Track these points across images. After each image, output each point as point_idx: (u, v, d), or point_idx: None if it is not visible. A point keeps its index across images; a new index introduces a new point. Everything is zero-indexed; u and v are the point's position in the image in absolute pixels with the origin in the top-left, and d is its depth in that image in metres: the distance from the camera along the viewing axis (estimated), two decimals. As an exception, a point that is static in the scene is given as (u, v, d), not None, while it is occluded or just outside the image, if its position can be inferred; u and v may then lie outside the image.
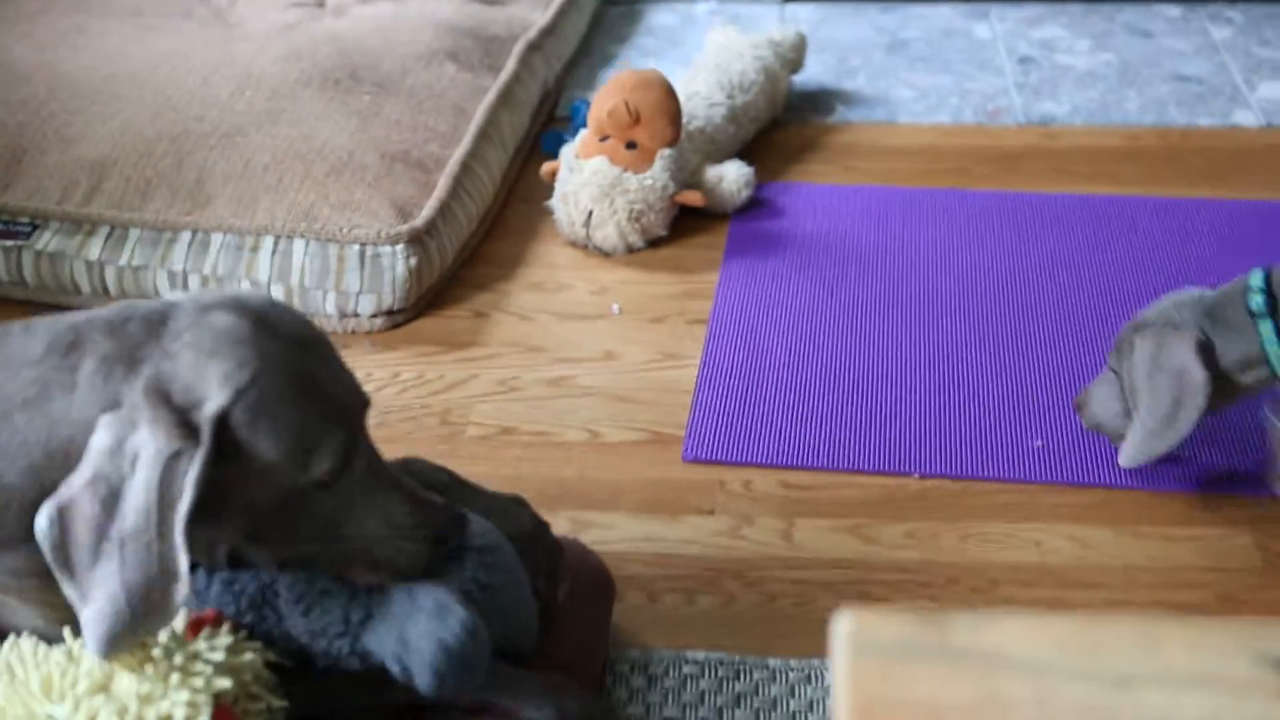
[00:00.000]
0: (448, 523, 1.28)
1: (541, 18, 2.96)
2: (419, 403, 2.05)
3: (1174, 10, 3.31)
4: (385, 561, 1.26)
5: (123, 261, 2.21)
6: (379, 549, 1.25)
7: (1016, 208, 2.50)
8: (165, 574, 1.13)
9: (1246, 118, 2.80)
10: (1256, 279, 1.70)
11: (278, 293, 2.19)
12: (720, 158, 2.57)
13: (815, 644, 1.62)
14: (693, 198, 2.41)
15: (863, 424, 1.98)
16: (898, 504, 1.84)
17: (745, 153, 2.64)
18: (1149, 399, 1.71)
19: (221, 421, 1.14)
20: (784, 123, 2.81)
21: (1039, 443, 1.93)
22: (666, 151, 2.38)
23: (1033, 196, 2.54)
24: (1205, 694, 0.79)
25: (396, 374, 2.11)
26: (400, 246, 2.18)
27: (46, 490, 1.16)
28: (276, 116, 2.42)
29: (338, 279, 2.17)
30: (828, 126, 2.81)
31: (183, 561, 1.13)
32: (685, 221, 2.45)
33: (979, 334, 2.15)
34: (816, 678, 1.58)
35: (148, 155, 2.31)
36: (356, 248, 2.18)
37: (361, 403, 1.26)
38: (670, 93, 2.41)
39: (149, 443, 1.12)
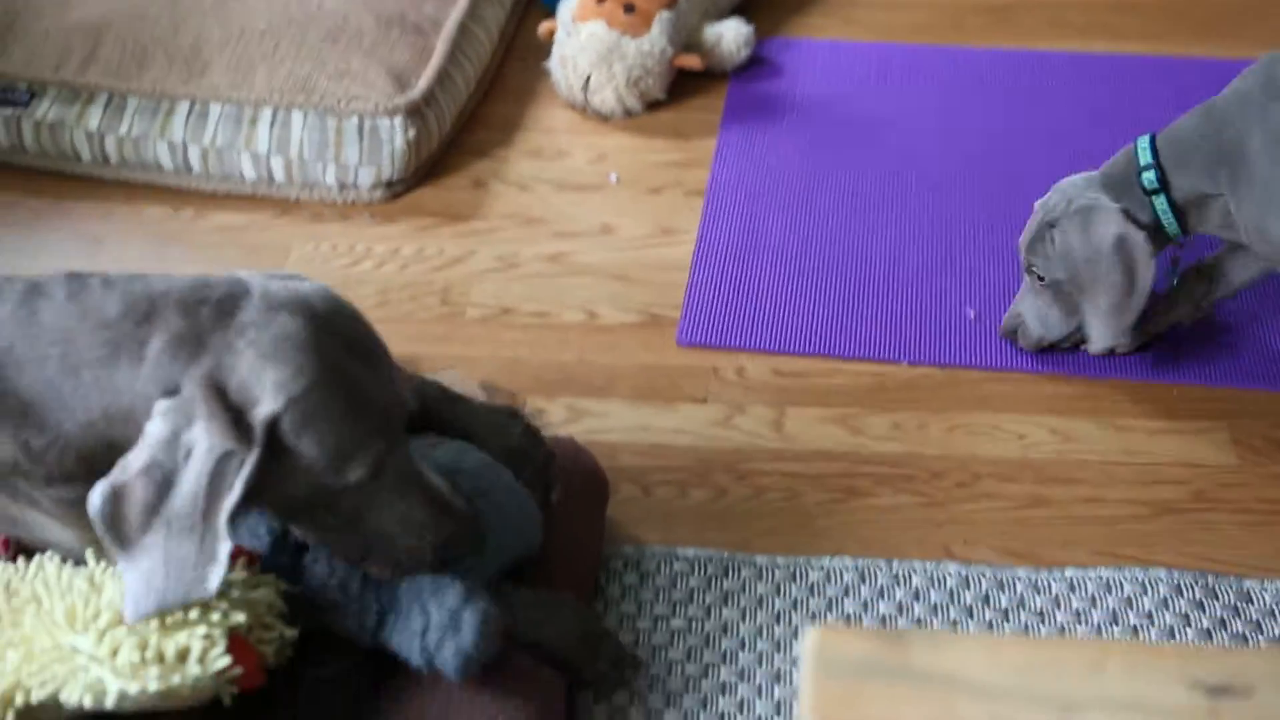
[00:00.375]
0: (463, 528, 1.32)
1: None
2: (420, 280, 2.08)
3: None
4: (401, 556, 1.31)
5: (122, 131, 2.23)
6: (396, 544, 1.30)
7: (1009, 67, 2.50)
8: (206, 556, 1.19)
9: (1254, -33, 2.75)
10: (1145, 155, 1.72)
11: (277, 164, 2.20)
12: (720, 14, 2.56)
13: (801, 540, 1.69)
14: (690, 61, 2.41)
15: (855, 308, 2.01)
16: (887, 393, 1.89)
17: (745, 5, 2.62)
18: (1097, 279, 1.75)
19: (272, 426, 1.18)
20: (785, -29, 2.77)
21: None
22: (665, 14, 2.37)
23: (1025, 55, 2.54)
24: (1141, 718, 0.85)
25: (396, 249, 2.14)
26: (399, 119, 2.19)
27: (99, 442, 1.21)
28: (271, -24, 2.39)
29: (337, 151, 2.19)
30: (830, -26, 2.78)
31: (223, 548, 1.18)
32: (684, 83, 2.45)
33: (973, 210, 2.18)
34: (801, 575, 1.65)
35: (142, 19, 2.31)
36: (355, 120, 2.19)
37: (402, 411, 1.29)
38: (669, -46, 2.39)
39: (203, 439, 1.16)
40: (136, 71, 2.25)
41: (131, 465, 1.18)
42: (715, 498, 1.76)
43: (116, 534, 1.18)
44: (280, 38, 2.29)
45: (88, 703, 1.22)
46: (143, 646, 1.24)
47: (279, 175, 2.22)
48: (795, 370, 1.93)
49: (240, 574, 1.33)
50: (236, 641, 1.29)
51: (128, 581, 1.20)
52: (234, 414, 1.17)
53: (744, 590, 1.64)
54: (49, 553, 1.35)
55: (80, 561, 1.33)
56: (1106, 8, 2.66)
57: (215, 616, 1.28)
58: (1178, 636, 1.58)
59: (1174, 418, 1.85)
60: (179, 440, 1.17)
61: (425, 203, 2.24)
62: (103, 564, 1.31)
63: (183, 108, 2.22)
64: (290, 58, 2.26)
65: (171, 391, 1.18)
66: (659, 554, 1.67)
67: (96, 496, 1.18)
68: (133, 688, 1.21)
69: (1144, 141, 1.74)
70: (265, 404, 1.18)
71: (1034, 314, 1.86)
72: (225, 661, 1.25)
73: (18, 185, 2.27)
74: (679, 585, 1.64)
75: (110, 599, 1.27)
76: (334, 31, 2.30)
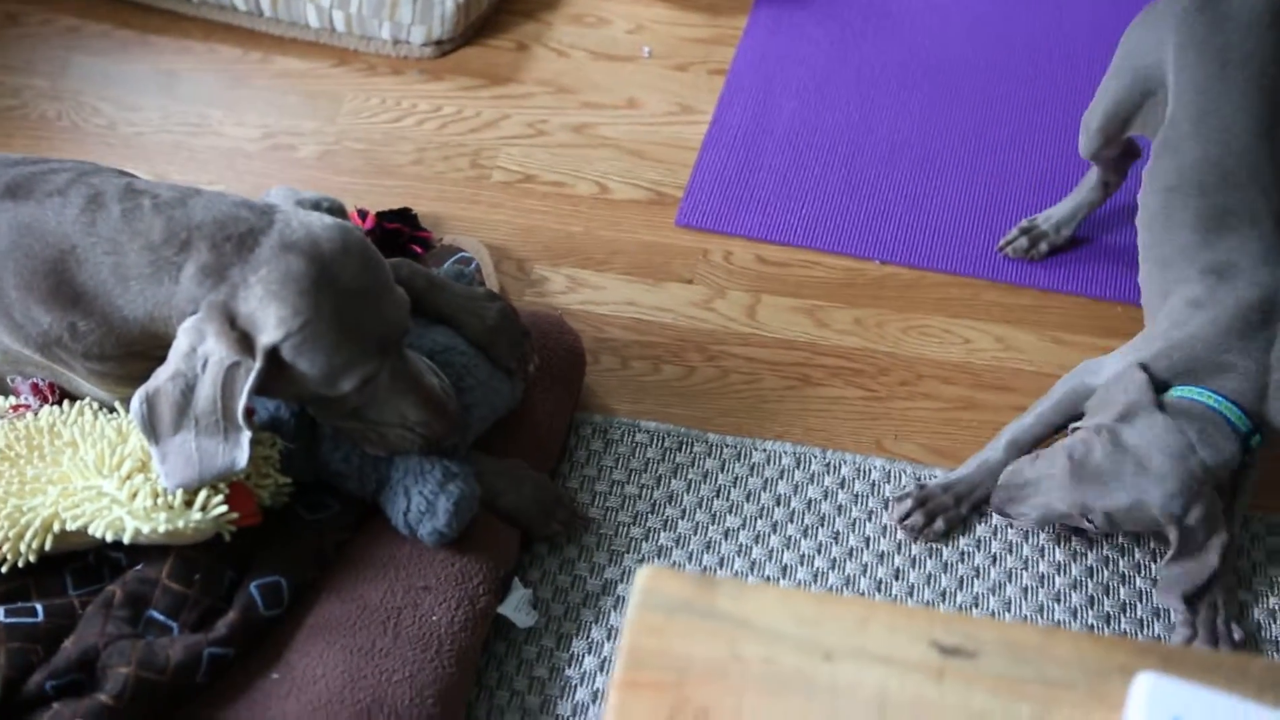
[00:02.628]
0: (451, 424, 1.57)
1: None
2: (455, 140, 2.29)
3: None
4: (394, 443, 1.57)
5: (202, -26, 2.42)
6: (390, 434, 1.55)
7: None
8: (230, 444, 1.45)
9: None
10: (1239, 419, 1.62)
11: (339, 19, 2.40)
12: (771, -114, 2.66)
13: (753, 422, 1.92)
14: (732, -60, 2.54)
15: (843, 203, 2.18)
16: (856, 289, 2.08)
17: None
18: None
19: (272, 351, 1.42)
20: None
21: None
22: (712, -108, 2.50)
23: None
24: (884, 670, 1.08)
25: (439, 107, 2.34)
26: (451, -18, 2.37)
27: (137, 334, 1.47)
28: None
29: (392, 10, 2.38)
30: None
31: (244, 435, 1.44)
32: (726, -44, 2.59)
33: (975, 117, 2.32)
34: (745, 455, 1.88)
35: None
36: (410, -19, 2.37)
37: (398, 333, 1.52)
38: None
39: (215, 351, 1.41)
40: (217, -84, 2.44)
41: (161, 374, 1.43)
42: (684, 375, 1.98)
43: (152, 431, 1.44)
44: (351, -108, 2.45)
45: (109, 537, 1.49)
46: (156, 493, 1.51)
47: (339, 26, 2.42)
48: (777, 259, 2.12)
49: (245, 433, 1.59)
50: (236, 488, 1.56)
51: (167, 463, 1.45)
52: (240, 335, 1.41)
53: (693, 465, 1.87)
54: (88, 399, 1.62)
55: (112, 409, 1.60)
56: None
57: None
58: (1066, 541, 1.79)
59: (1112, 336, 2.02)
60: (196, 352, 1.41)
61: (471, 62, 2.43)
62: (129, 416, 1.57)
63: (256, -43, 2.42)
64: (357, -87, 2.43)
65: (196, 311, 1.42)
66: (624, 425, 1.91)
67: (136, 401, 1.43)
68: (145, 527, 1.48)
69: (1217, 397, 1.62)
70: (267, 333, 1.42)
71: (1049, 499, 1.67)
72: (223, 509, 1.51)
73: (110, 15, 2.49)
74: (637, 455, 1.88)
75: (133, 448, 1.53)
76: (400, -111, 2.46)
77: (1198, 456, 1.57)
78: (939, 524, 1.77)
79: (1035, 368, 1.99)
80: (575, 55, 2.43)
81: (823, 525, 1.82)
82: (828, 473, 1.86)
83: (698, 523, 1.81)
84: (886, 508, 1.83)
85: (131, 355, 1.50)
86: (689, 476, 1.86)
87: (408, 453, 1.60)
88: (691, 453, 1.88)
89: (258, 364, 1.41)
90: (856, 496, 1.84)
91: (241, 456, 1.45)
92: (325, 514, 1.67)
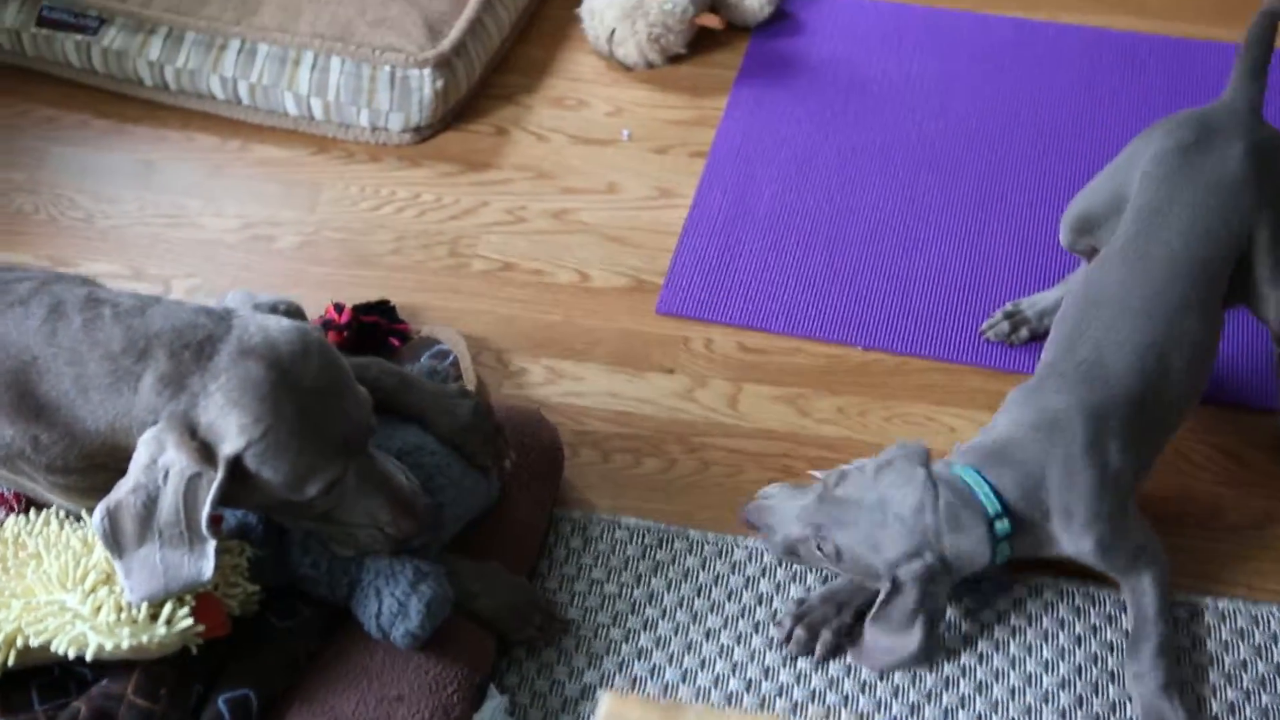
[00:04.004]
0: (423, 523, 1.55)
1: None
2: (434, 228, 2.27)
3: None
4: (363, 543, 1.55)
5: (179, 63, 2.42)
6: (359, 534, 1.54)
7: (1032, 40, 2.58)
8: (196, 554, 1.42)
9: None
10: (988, 494, 1.66)
11: (317, 106, 2.39)
12: (751, -33, 2.66)
13: (733, 517, 1.87)
14: (711, 21, 2.55)
15: (824, 288, 2.16)
16: (838, 376, 2.05)
17: (778, -43, 2.72)
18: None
19: (234, 459, 1.40)
20: (827, -85, 2.85)
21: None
22: (690, -27, 2.49)
23: (1050, 27, 2.62)
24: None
25: (417, 195, 2.33)
26: (428, 70, 2.36)
27: (99, 447, 1.45)
28: (327, -89, 2.54)
29: (370, 97, 2.37)
30: (868, -78, 2.86)
31: (209, 545, 1.42)
32: (708, 35, 2.59)
33: (958, 198, 2.29)
34: (727, 552, 1.85)
35: (204, -46, 2.47)
36: (387, 70, 2.36)
37: (362, 434, 1.50)
38: (697, -85, 2.50)
39: (175, 462, 1.39)
40: (196, 7, 2.43)
41: (122, 487, 1.41)
42: (665, 468, 1.95)
43: (116, 545, 1.42)
44: (328, -21, 2.44)
45: (71, 653, 1.46)
46: (120, 607, 1.48)
47: (318, 114, 2.40)
48: (759, 346, 2.10)
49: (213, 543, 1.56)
50: (204, 598, 1.53)
51: (131, 578, 1.43)
52: (201, 444, 1.39)
53: (674, 562, 1.84)
54: (54, 507, 1.59)
55: (79, 516, 1.58)
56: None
57: None
58: (1051, 641, 1.76)
59: (1098, 421, 1.99)
60: (157, 464, 1.39)
61: (450, 147, 2.41)
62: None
63: (234, 45, 2.41)
64: (338, 1, 2.42)
65: (155, 422, 1.40)
66: (604, 521, 1.87)
67: (96, 516, 1.41)
68: (109, 643, 1.45)
69: (984, 489, 1.67)
70: (229, 443, 1.40)
71: (793, 517, 1.72)
72: (189, 623, 1.49)
73: (88, 105, 2.48)
74: (617, 552, 1.85)
75: (98, 560, 1.51)
76: (379, -25, 2.45)
77: (934, 520, 1.62)
78: (826, 636, 1.73)
79: (1021, 456, 1.95)
80: (554, 139, 2.42)
81: (805, 624, 1.78)
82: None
83: (679, 623, 1.78)
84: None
85: (94, 467, 1.48)
86: (669, 575, 1.83)
87: (378, 553, 1.57)
88: (673, 550, 1.85)
89: (220, 474, 1.40)
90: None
91: (208, 567, 1.43)
92: (296, 620, 1.64)
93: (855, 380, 2.05)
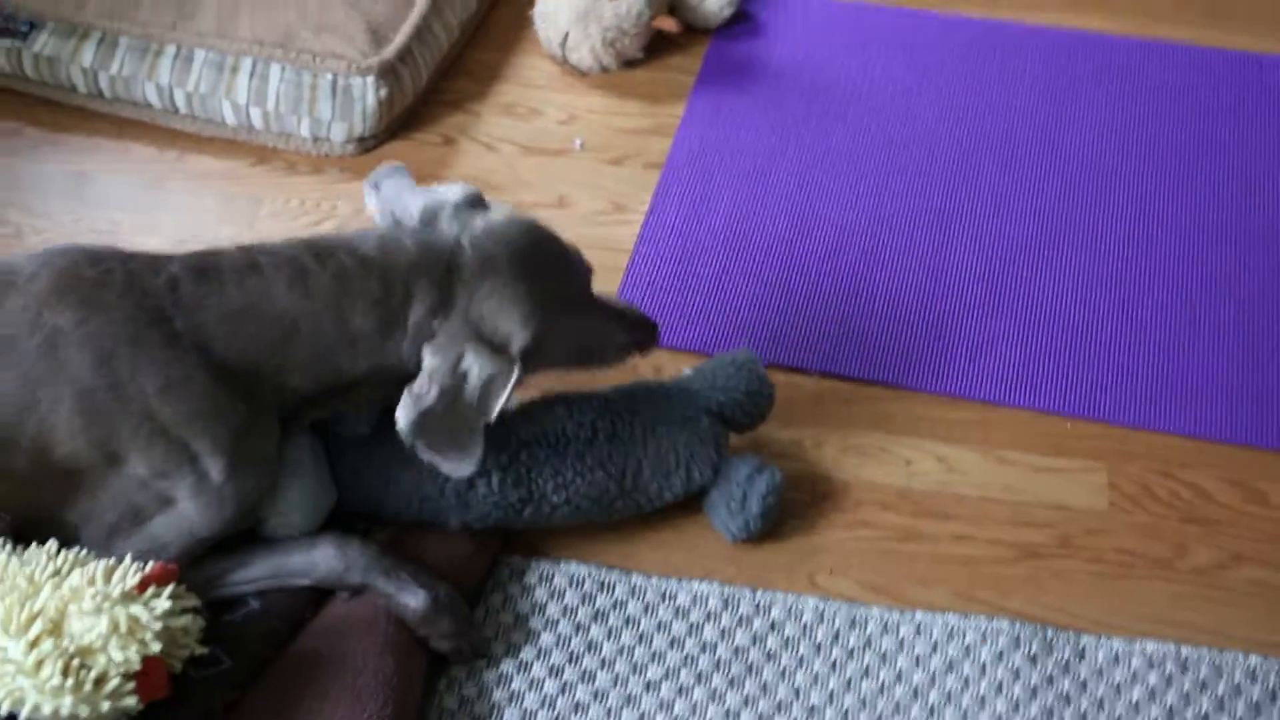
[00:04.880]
0: (646, 330, 1.75)
1: None
2: (376, 246, 2.18)
3: None
4: (614, 360, 1.76)
5: (113, 70, 2.33)
6: (610, 354, 1.74)
7: (996, 42, 2.50)
8: (473, 431, 1.59)
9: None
10: None
11: (256, 115, 2.30)
12: (711, -35, 2.58)
13: (679, 559, 1.81)
14: (668, 24, 2.47)
15: (778, 311, 2.08)
16: (793, 406, 1.98)
17: (740, -45, 2.64)
18: None
19: (523, 351, 1.59)
20: (792, -92, 2.76)
21: None
22: (646, -26, 2.40)
23: (1017, 28, 2.53)
24: None
25: (360, 208, 2.24)
26: (371, 78, 2.27)
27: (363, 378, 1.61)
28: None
29: (310, 106, 2.28)
30: (835, -84, 2.77)
31: (479, 447, 1.59)
32: (666, 38, 2.50)
33: (924, 209, 2.22)
34: (670, 597, 1.78)
35: (140, -46, 2.38)
36: (329, 78, 2.27)
37: (589, 278, 1.71)
38: (653, -85, 2.41)
39: (476, 365, 1.56)
40: (130, 10, 2.34)
41: (426, 397, 1.55)
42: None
43: (429, 448, 1.58)
44: (270, -19, 2.35)
45: (5, 708, 1.40)
46: (65, 667, 1.41)
47: (257, 123, 2.32)
48: (710, 374, 2.01)
49: (165, 603, 1.50)
50: (152, 664, 1.47)
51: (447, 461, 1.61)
52: (493, 346, 1.57)
53: (615, 609, 1.77)
54: (1, 540, 1.52)
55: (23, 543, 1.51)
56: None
57: (133, 651, 1.45)
58: (1005, 690, 1.70)
59: (1059, 454, 1.93)
60: (458, 369, 1.56)
61: (396, 158, 2.32)
62: (45, 560, 1.48)
63: (170, 51, 2.32)
64: (276, 5, 2.34)
65: (429, 337, 1.56)
66: (543, 567, 1.80)
67: (404, 425, 1.55)
68: (48, 706, 1.39)
69: None
70: (516, 340, 1.59)
71: None
72: (133, 701, 1.43)
73: (19, 112, 2.39)
74: (555, 600, 1.78)
75: (44, 604, 1.44)
76: (322, -23, 2.36)
77: None
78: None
79: (980, 491, 1.90)
80: (505, 149, 2.34)
81: (750, 675, 1.72)
82: (757, 615, 1.76)
83: (617, 674, 1.71)
84: (818, 652, 1.73)
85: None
86: (610, 622, 1.76)
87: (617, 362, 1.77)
88: (614, 595, 1.78)
89: (516, 370, 1.58)
90: (787, 641, 1.75)
91: (469, 468, 1.60)
92: (214, 671, 1.58)
93: (810, 409, 1.98)
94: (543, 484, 1.73)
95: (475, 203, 1.67)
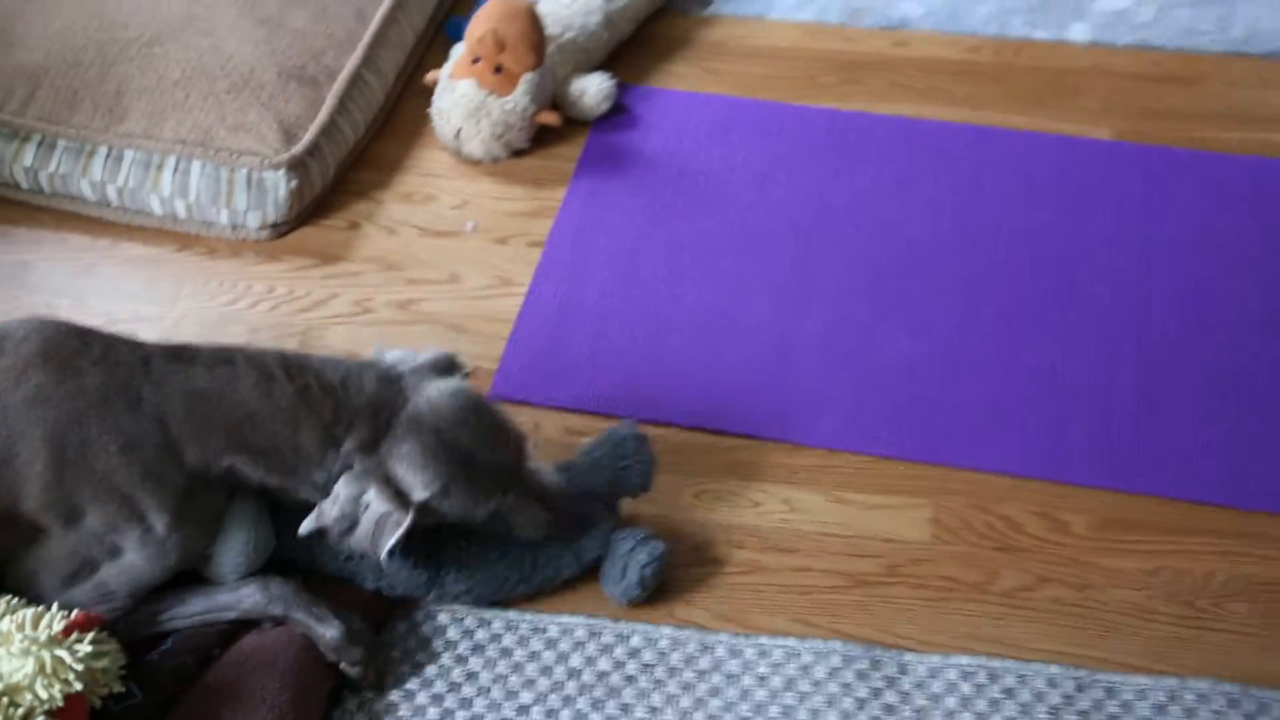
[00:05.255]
0: (569, 520, 1.76)
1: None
2: (285, 321, 2.20)
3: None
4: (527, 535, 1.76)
5: (51, 169, 2.33)
6: (523, 531, 1.74)
7: (846, 131, 2.54)
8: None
9: (1080, 32, 2.77)
10: None
11: (180, 207, 2.31)
12: (592, 65, 2.62)
13: (549, 596, 1.82)
14: (550, 119, 2.49)
15: (646, 371, 2.11)
16: (657, 456, 1.99)
17: (617, 50, 2.67)
18: None
19: (420, 505, 1.62)
20: (664, 12, 2.81)
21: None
22: (529, 76, 2.44)
23: (863, 118, 2.58)
24: None
25: (272, 288, 2.25)
26: (283, 171, 2.29)
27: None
28: (193, 24, 2.47)
29: (228, 198, 2.29)
30: (702, 20, 2.82)
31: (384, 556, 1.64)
32: (550, 130, 2.52)
33: (771, 285, 2.23)
34: (540, 630, 1.79)
35: (76, 65, 2.39)
36: (245, 172, 2.29)
37: (517, 466, 1.70)
38: (534, 22, 2.45)
39: (375, 503, 1.61)
40: (67, 115, 2.35)
41: (328, 514, 1.62)
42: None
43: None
44: (191, 88, 2.37)
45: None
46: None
47: (181, 214, 2.33)
48: (583, 428, 2.03)
49: (87, 647, 1.50)
50: (74, 701, 1.49)
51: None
52: (396, 493, 1.61)
53: (492, 642, 1.78)
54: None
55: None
56: (947, 72, 2.68)
57: (56, 690, 1.45)
58: (836, 704, 1.71)
59: (889, 492, 1.96)
60: (360, 500, 1.61)
61: (306, 242, 2.34)
62: None
63: (102, 151, 2.32)
64: (197, 107, 2.35)
65: (349, 467, 1.61)
66: (427, 606, 1.81)
67: (306, 528, 1.62)
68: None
69: None
70: (416, 493, 1.62)
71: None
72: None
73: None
74: (439, 635, 1.78)
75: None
76: (238, 84, 2.38)
77: None
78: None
79: (819, 528, 1.92)
80: (404, 232, 2.35)
81: (611, 697, 1.73)
82: (619, 643, 1.78)
83: (493, 700, 1.72)
84: (672, 675, 1.74)
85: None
86: (489, 654, 1.77)
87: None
88: (491, 630, 1.79)
89: (410, 517, 1.61)
90: (644, 666, 1.76)
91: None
92: (129, 704, 1.59)
93: (671, 459, 1.99)
94: (444, 574, 1.77)
95: (445, 368, 1.72)
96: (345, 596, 1.75)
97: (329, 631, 1.67)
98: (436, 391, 1.66)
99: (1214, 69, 2.66)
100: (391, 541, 1.61)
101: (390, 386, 1.66)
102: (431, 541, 1.76)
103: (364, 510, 1.61)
